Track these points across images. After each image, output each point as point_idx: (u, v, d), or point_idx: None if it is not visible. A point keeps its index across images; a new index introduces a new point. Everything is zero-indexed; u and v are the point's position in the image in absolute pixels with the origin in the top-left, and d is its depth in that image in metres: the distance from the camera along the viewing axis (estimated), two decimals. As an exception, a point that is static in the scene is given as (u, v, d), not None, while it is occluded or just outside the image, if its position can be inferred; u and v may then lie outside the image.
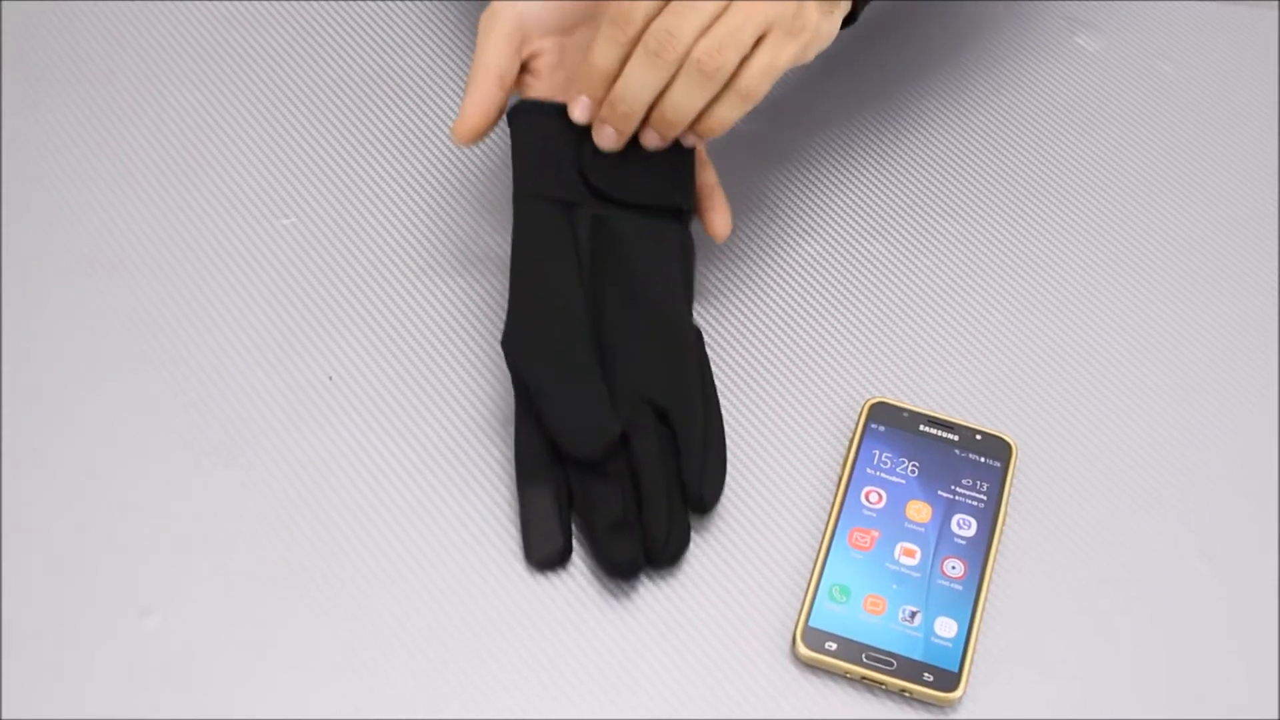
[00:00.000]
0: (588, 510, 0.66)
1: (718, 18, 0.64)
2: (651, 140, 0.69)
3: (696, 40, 0.64)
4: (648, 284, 0.69)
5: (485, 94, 0.69)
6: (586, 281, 0.68)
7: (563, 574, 0.67)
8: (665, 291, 0.70)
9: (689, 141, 0.70)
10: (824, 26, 0.67)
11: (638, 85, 0.66)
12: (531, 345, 0.68)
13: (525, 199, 0.70)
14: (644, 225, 0.70)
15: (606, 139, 0.68)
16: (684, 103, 0.66)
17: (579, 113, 0.68)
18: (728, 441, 0.70)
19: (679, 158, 0.70)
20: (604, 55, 0.66)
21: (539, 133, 0.70)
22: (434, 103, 0.84)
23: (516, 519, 0.68)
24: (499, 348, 0.73)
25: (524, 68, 0.70)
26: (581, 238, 0.69)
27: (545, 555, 0.66)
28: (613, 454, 0.65)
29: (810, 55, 0.67)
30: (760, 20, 0.65)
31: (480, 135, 0.69)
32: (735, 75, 0.66)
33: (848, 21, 0.70)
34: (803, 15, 0.65)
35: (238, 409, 0.71)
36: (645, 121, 0.68)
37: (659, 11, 0.65)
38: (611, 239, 0.69)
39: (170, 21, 0.87)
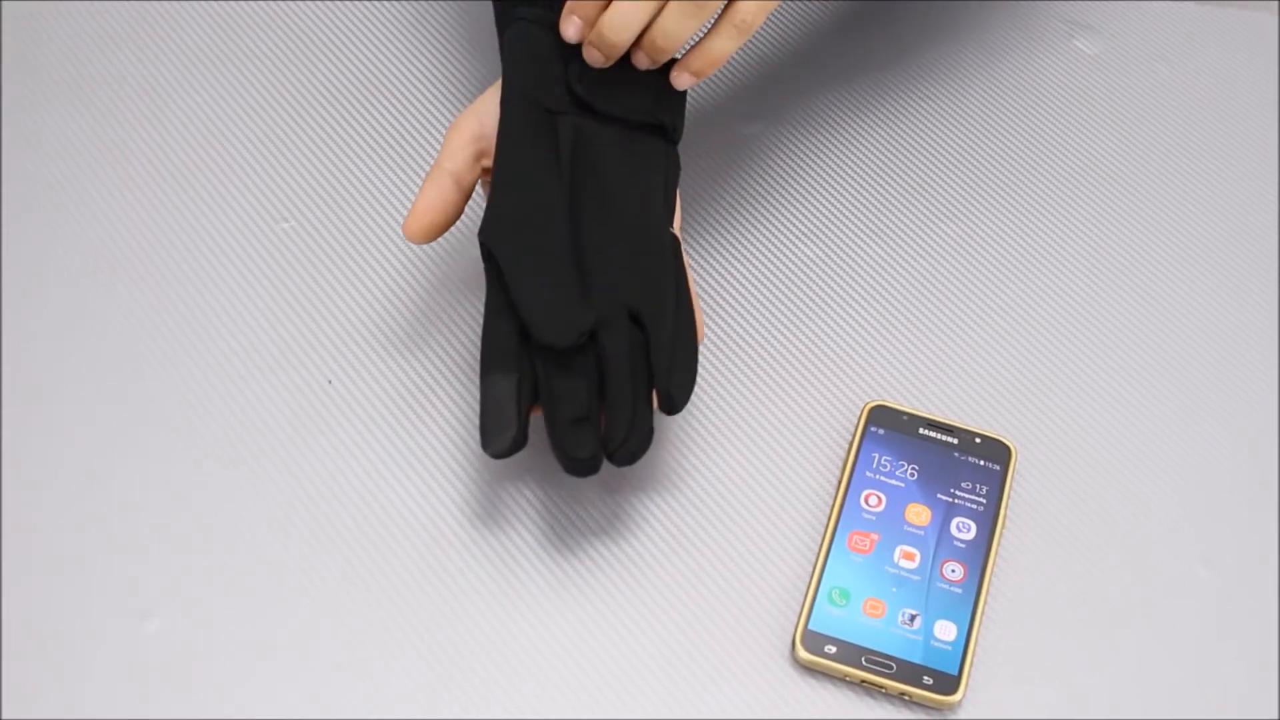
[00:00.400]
0: (550, 405, 0.64)
1: None
2: (642, 62, 0.68)
3: None
4: (625, 192, 0.68)
5: (438, 193, 0.69)
6: (566, 184, 0.68)
7: (565, 578, 0.67)
8: (643, 200, 0.69)
9: (682, 82, 0.69)
10: None
11: (628, 13, 0.65)
12: (509, 233, 0.67)
13: (512, 99, 0.69)
14: (627, 138, 0.69)
15: (594, 60, 0.68)
16: (674, 30, 0.66)
17: (570, 31, 0.68)
18: (727, 441, 0.70)
19: (668, 77, 0.69)
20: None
21: (530, 41, 0.69)
22: (434, 109, 0.84)
23: (518, 519, 0.68)
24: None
25: (486, 171, 0.70)
26: (564, 143, 0.68)
27: (500, 445, 0.64)
28: (581, 344, 0.64)
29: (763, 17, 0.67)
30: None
31: (431, 234, 0.69)
32: (731, 6, 0.65)
33: None
34: None
35: (237, 412, 0.71)
36: (637, 44, 0.67)
37: None
38: (593, 147, 0.69)
39: (170, 26, 0.87)
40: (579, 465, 0.64)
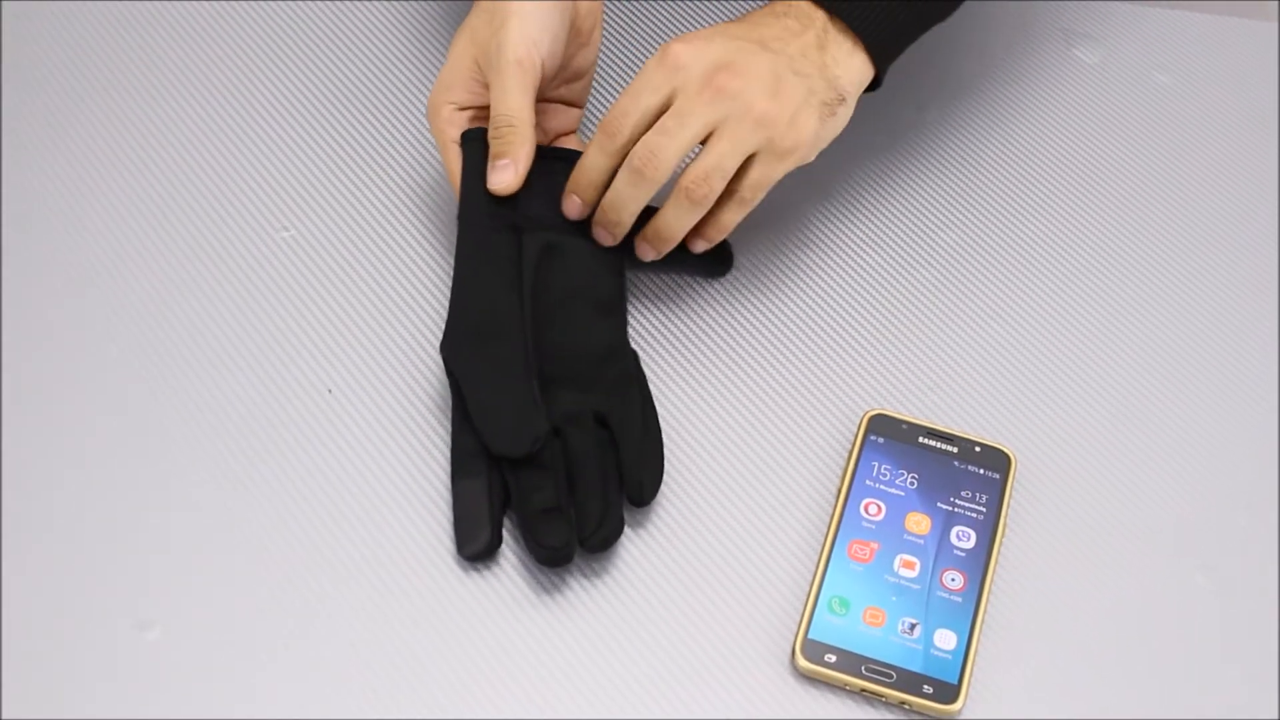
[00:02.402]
0: (520, 497, 0.66)
1: (706, 140, 0.67)
2: (646, 254, 0.72)
3: (679, 160, 0.67)
4: (587, 303, 0.71)
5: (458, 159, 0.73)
6: (528, 300, 0.70)
7: (566, 589, 0.67)
8: (608, 315, 0.72)
9: (698, 248, 0.72)
10: (823, 133, 0.69)
11: (624, 198, 0.69)
12: (465, 348, 0.69)
13: (470, 215, 0.72)
14: (585, 248, 0.72)
15: (601, 239, 0.72)
16: (674, 224, 0.69)
17: (571, 210, 0.71)
18: (727, 450, 0.71)
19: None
20: (593, 163, 0.69)
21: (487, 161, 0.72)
22: (433, 115, 0.84)
23: (516, 528, 0.68)
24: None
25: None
26: (529, 258, 0.71)
27: (474, 549, 0.66)
28: (539, 449, 0.66)
29: (811, 158, 0.70)
30: (748, 146, 0.67)
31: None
32: (733, 184, 0.68)
33: (872, 86, 0.72)
34: (794, 132, 0.67)
35: (237, 421, 0.71)
36: (641, 236, 0.71)
37: (647, 125, 0.67)
38: (556, 258, 0.71)
39: (171, 32, 0.87)
40: (552, 554, 0.65)
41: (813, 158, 0.70)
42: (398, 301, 0.76)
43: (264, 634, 0.65)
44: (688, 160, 0.69)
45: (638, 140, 0.68)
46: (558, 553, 0.65)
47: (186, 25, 0.87)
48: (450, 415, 0.70)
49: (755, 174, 0.68)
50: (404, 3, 0.89)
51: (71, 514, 0.68)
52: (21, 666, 0.64)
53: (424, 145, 0.83)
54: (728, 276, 0.78)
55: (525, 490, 0.66)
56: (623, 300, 0.73)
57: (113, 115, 0.83)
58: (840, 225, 0.81)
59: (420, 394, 0.73)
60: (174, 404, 0.72)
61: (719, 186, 0.68)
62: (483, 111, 0.72)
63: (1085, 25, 0.91)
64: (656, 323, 0.76)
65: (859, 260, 0.79)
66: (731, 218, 0.71)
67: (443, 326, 0.75)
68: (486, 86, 0.71)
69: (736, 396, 0.73)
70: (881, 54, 0.70)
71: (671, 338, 0.75)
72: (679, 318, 0.76)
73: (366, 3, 0.89)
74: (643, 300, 0.77)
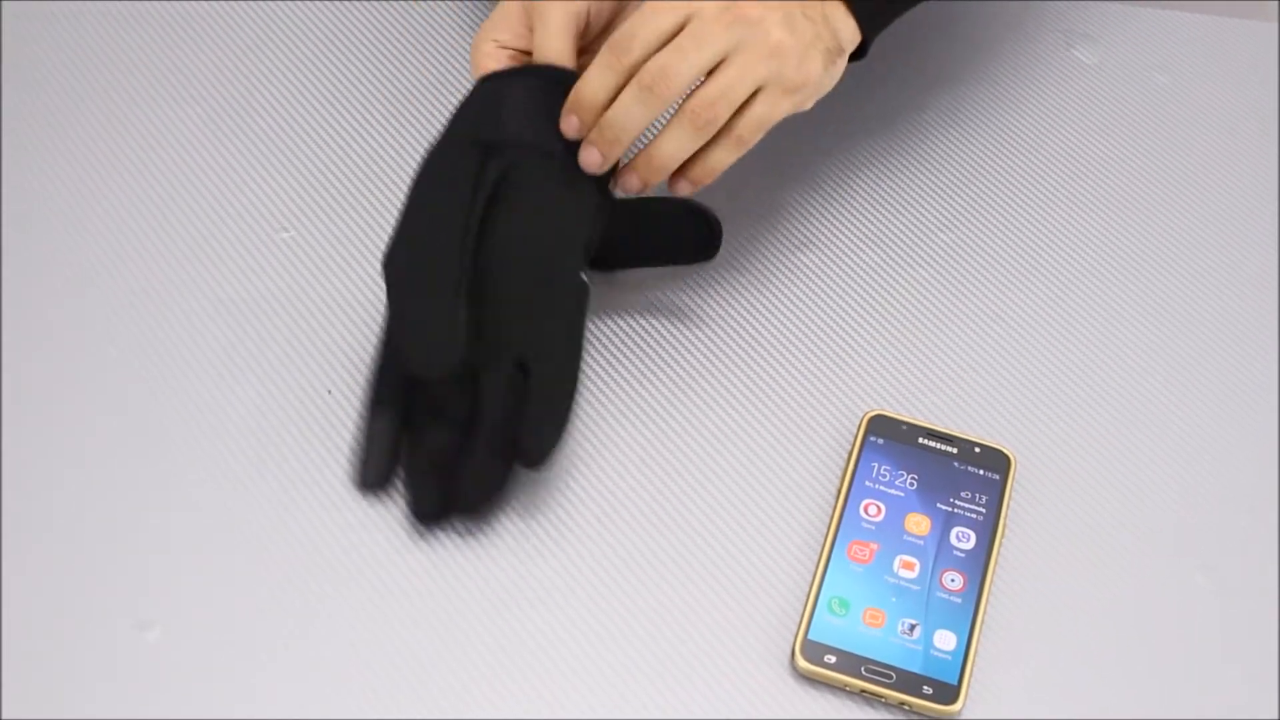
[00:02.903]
0: (411, 446, 0.68)
1: (717, 66, 0.66)
2: (631, 184, 0.69)
3: (691, 83, 0.65)
4: (541, 233, 0.69)
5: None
6: (477, 220, 0.68)
7: (564, 586, 0.67)
8: (558, 244, 0.69)
9: (682, 190, 0.70)
10: (825, 80, 0.69)
11: (627, 116, 0.66)
12: (404, 263, 0.68)
13: (444, 137, 0.70)
14: (560, 175, 0.69)
15: (590, 160, 0.68)
16: (672, 149, 0.67)
17: (569, 129, 0.68)
18: (726, 451, 0.70)
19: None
20: (598, 81, 0.67)
21: (489, 93, 0.70)
22: (435, 116, 0.84)
23: (517, 528, 0.68)
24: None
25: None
26: (489, 178, 0.68)
27: (368, 480, 0.68)
28: (449, 374, 0.66)
29: (809, 105, 0.69)
30: (759, 76, 0.66)
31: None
32: (730, 122, 0.67)
33: (857, 55, 0.71)
34: (803, 69, 0.67)
35: (237, 422, 0.71)
36: (630, 166, 0.69)
37: (659, 45, 0.66)
38: (522, 185, 0.68)
39: (170, 34, 0.87)
40: (415, 511, 0.67)
41: (810, 105, 0.69)
42: (397, 302, 0.76)
43: (264, 634, 0.65)
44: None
45: (647, 60, 0.66)
46: (427, 518, 0.67)
47: (187, 25, 0.87)
48: (383, 333, 0.70)
49: (759, 109, 0.67)
50: (406, 4, 0.89)
51: (71, 514, 0.68)
52: (21, 667, 0.64)
53: (423, 144, 0.82)
54: (728, 277, 0.78)
55: (416, 438, 0.67)
56: (586, 237, 0.70)
57: (112, 115, 0.83)
58: (840, 226, 0.81)
59: (420, 395, 0.73)
60: (174, 404, 0.72)
61: (724, 114, 0.66)
62: (523, 54, 0.71)
63: (1084, 25, 0.91)
64: (655, 323, 0.76)
65: (858, 261, 0.79)
66: (724, 158, 0.68)
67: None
68: (531, 30, 0.70)
69: (736, 397, 0.73)
70: (870, 22, 0.70)
71: (670, 338, 0.75)
72: (678, 318, 0.76)
73: (367, 3, 0.89)
74: (641, 300, 0.77)
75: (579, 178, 0.69)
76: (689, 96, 0.66)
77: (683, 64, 0.65)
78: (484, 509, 0.68)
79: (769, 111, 0.67)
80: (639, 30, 0.66)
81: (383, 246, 0.78)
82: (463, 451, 0.66)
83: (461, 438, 0.66)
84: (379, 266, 0.77)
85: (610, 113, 0.67)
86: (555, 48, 0.68)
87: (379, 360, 0.70)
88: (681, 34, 0.66)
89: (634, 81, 0.66)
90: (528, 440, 0.66)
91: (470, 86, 0.71)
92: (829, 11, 0.68)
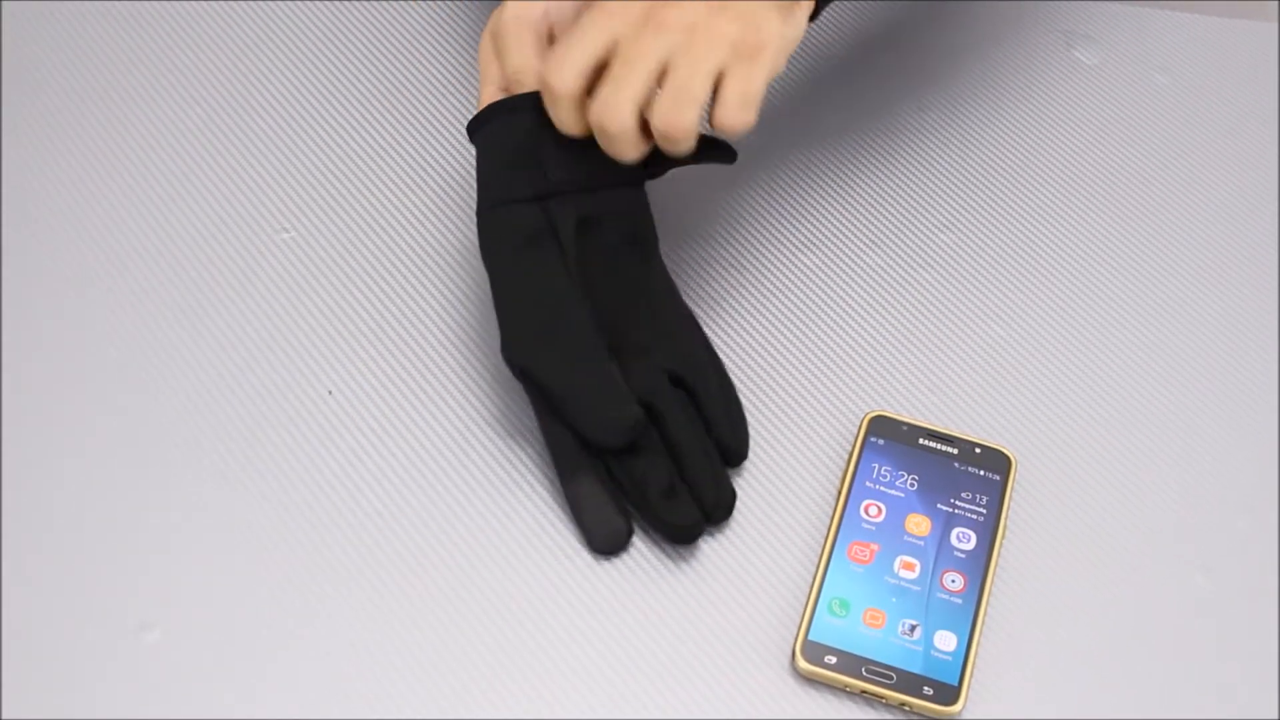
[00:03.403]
0: (636, 487, 0.66)
1: (664, 73, 0.63)
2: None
3: (639, 101, 0.63)
4: (629, 256, 0.69)
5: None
6: (574, 270, 0.68)
7: (564, 587, 0.67)
8: (643, 256, 0.70)
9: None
10: (788, 31, 0.65)
11: (613, 146, 0.65)
12: (533, 347, 0.67)
13: (489, 209, 0.69)
14: (609, 201, 0.69)
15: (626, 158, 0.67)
16: (669, 153, 0.65)
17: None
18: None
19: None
20: (565, 121, 0.65)
21: (504, 137, 0.68)
22: (434, 116, 0.84)
23: (518, 529, 0.68)
24: (499, 360, 0.73)
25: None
26: (565, 230, 0.68)
27: (609, 538, 0.67)
28: (640, 435, 0.66)
29: (782, 64, 0.65)
30: (711, 64, 0.63)
31: None
32: (716, 113, 0.64)
33: (814, 14, 0.68)
34: (760, 31, 0.63)
35: (237, 422, 0.71)
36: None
37: (593, 76, 0.64)
38: (593, 224, 0.68)
39: (171, 34, 0.87)
40: (684, 533, 0.67)
41: (783, 64, 0.65)
42: (398, 302, 0.76)
43: (264, 635, 0.65)
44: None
45: (588, 92, 0.64)
46: (689, 530, 0.66)
47: (187, 25, 0.87)
48: (536, 414, 0.68)
49: (734, 89, 0.63)
50: (406, 3, 0.89)
51: (72, 515, 0.68)
52: (22, 668, 0.64)
53: (425, 145, 0.83)
54: (729, 278, 0.78)
55: (638, 478, 0.66)
56: (656, 237, 0.70)
57: (112, 116, 0.83)
58: (840, 227, 0.81)
59: (420, 395, 0.73)
60: (174, 405, 0.72)
61: (694, 113, 0.62)
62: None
63: (1085, 26, 0.91)
64: (656, 324, 0.76)
65: (859, 261, 0.79)
66: (732, 137, 0.66)
67: (443, 328, 0.75)
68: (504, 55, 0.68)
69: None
70: None
71: (671, 339, 0.75)
72: (679, 319, 0.76)
73: (367, 3, 0.89)
74: (643, 301, 0.77)
75: (618, 196, 0.69)
76: (652, 109, 0.63)
77: (622, 94, 0.63)
78: (733, 505, 0.68)
79: (746, 86, 0.63)
80: (564, 66, 0.64)
81: (383, 247, 0.78)
82: (687, 468, 0.66)
83: (671, 465, 0.67)
84: (382, 269, 0.77)
85: (599, 142, 0.65)
86: (534, 69, 0.67)
87: (549, 437, 0.68)
88: (611, 63, 0.63)
89: (590, 119, 0.64)
90: (733, 441, 0.68)
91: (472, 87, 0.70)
92: None
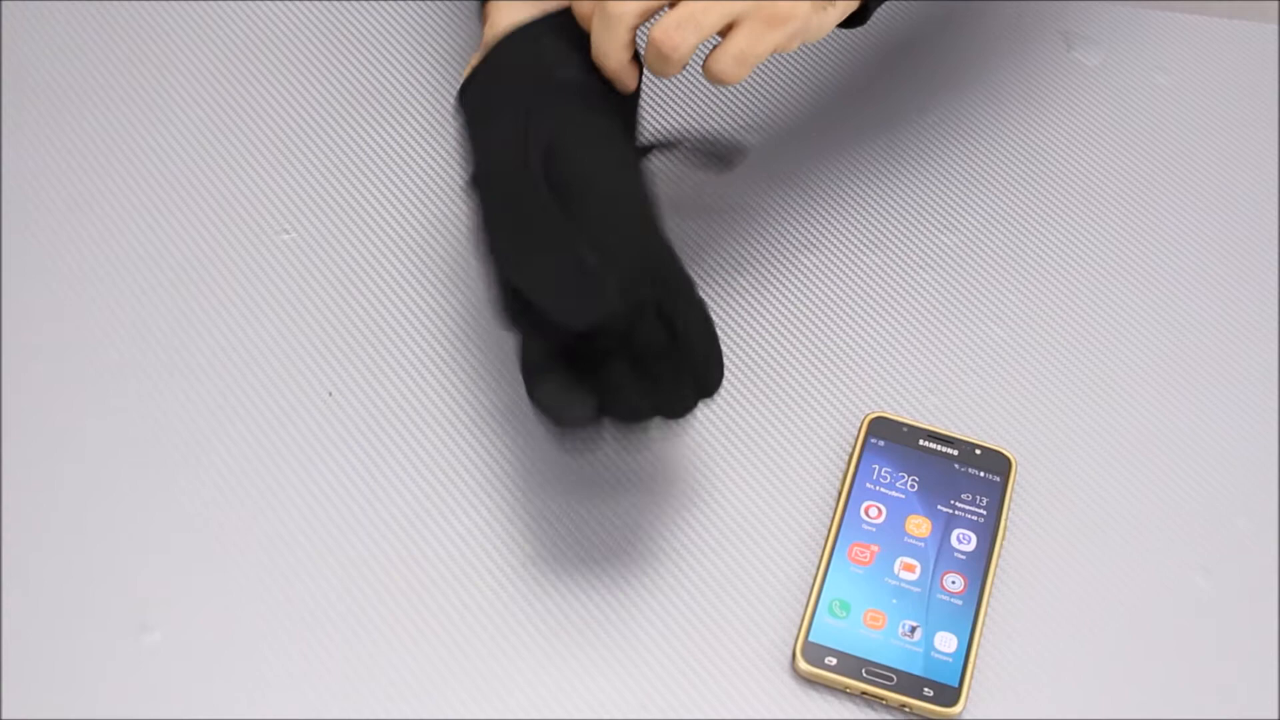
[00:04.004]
0: (597, 382, 0.61)
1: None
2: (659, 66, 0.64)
3: (646, 16, 0.61)
4: (608, 155, 0.64)
5: None
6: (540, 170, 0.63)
7: (565, 587, 0.67)
8: (621, 160, 0.65)
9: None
10: (815, 20, 0.64)
11: (600, 40, 0.63)
12: (506, 222, 0.63)
13: (490, 85, 0.65)
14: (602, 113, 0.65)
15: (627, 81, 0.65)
16: (654, 71, 0.63)
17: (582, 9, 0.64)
18: (727, 452, 0.71)
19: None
20: (604, 45, 0.63)
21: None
22: (435, 117, 0.84)
23: (518, 529, 0.68)
24: (499, 362, 0.73)
25: None
26: (538, 135, 0.63)
27: (568, 416, 0.60)
28: (615, 318, 0.60)
29: (794, 46, 0.64)
30: (730, 8, 0.61)
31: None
32: (711, 58, 0.62)
33: (856, 21, 0.67)
34: (790, 3, 0.62)
35: (237, 423, 0.71)
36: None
37: None
38: (573, 130, 0.64)
39: (171, 35, 0.87)
40: (631, 415, 0.61)
41: (795, 46, 0.64)
42: (398, 304, 0.76)
43: (264, 637, 0.65)
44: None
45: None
46: (632, 415, 0.61)
47: (187, 25, 0.87)
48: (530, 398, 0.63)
49: (737, 43, 0.62)
50: (405, 3, 0.89)
51: (72, 517, 0.68)
52: (22, 669, 0.64)
53: (425, 146, 0.83)
54: (729, 279, 0.78)
55: (598, 373, 0.61)
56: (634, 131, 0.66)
57: (112, 116, 0.83)
58: (841, 228, 0.81)
59: (421, 396, 0.73)
60: (174, 406, 0.72)
61: (691, 40, 0.61)
62: None
63: (1085, 28, 0.91)
64: (657, 325, 0.76)
65: (859, 263, 0.79)
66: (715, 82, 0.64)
67: (442, 329, 0.75)
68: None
69: (737, 399, 0.73)
70: None
71: (672, 340, 0.75)
72: (679, 320, 0.76)
73: (368, 3, 0.89)
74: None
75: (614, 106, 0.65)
76: (654, 26, 0.61)
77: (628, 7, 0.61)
78: (682, 414, 0.61)
79: (750, 45, 0.62)
80: None
81: (383, 249, 0.78)
82: (655, 376, 0.61)
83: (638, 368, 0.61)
84: (382, 270, 0.77)
85: (592, 35, 0.63)
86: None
87: (520, 348, 0.62)
88: None
89: (598, 8, 0.62)
90: (706, 370, 0.62)
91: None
92: None
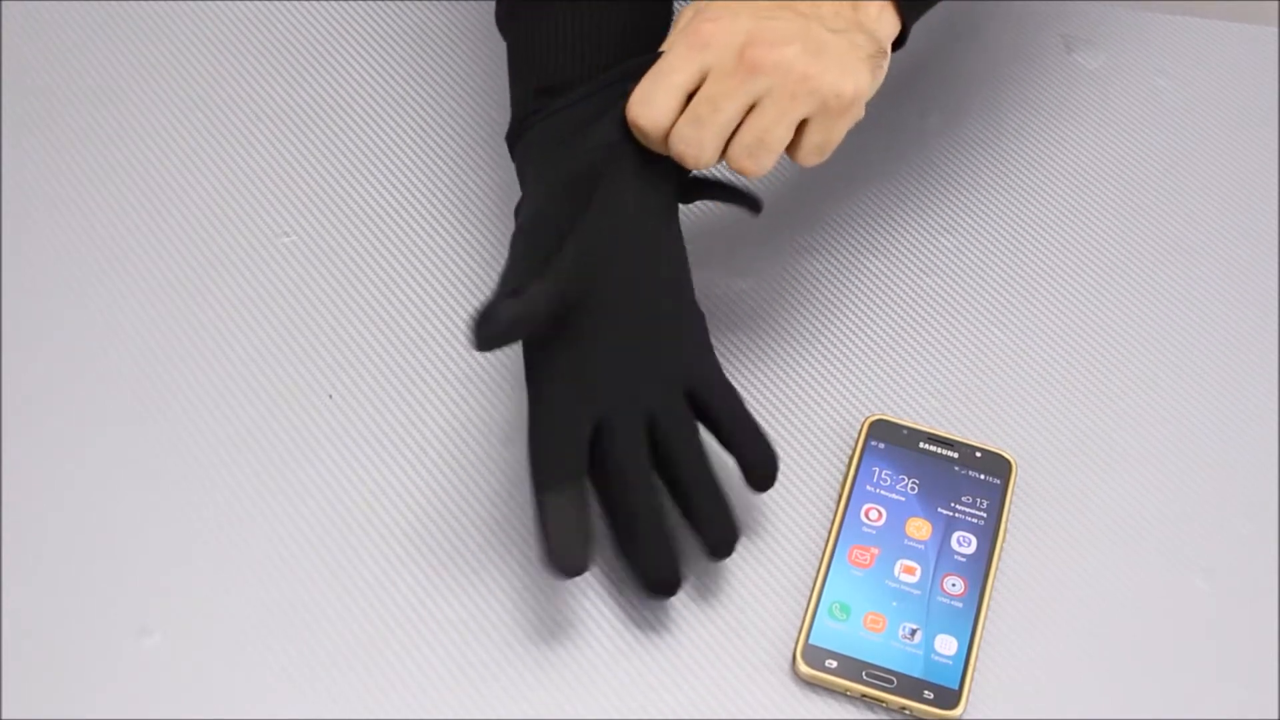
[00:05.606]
0: (625, 520, 0.63)
1: (747, 114, 0.62)
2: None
3: (721, 143, 0.62)
4: (657, 258, 0.66)
5: None
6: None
7: (567, 593, 0.67)
8: (673, 261, 0.67)
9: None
10: (874, 84, 0.64)
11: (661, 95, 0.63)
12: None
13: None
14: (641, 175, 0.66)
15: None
16: (731, 183, 0.66)
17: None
18: (727, 455, 0.71)
19: None
20: (650, 134, 0.64)
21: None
22: (436, 120, 0.84)
23: (518, 534, 0.68)
24: (500, 363, 0.73)
25: None
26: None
27: (566, 564, 0.61)
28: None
29: (863, 113, 0.64)
30: (798, 116, 0.62)
31: None
32: (793, 149, 0.64)
33: (896, 44, 0.67)
34: (849, 86, 0.62)
35: (238, 426, 0.71)
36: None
37: (680, 108, 0.62)
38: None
39: (172, 36, 0.87)
40: (662, 588, 0.64)
41: (863, 113, 0.64)
42: (398, 306, 0.76)
43: (264, 640, 0.65)
44: None
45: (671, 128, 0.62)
46: (669, 586, 0.64)
47: (187, 26, 0.87)
48: (527, 415, 0.65)
49: (814, 138, 0.63)
50: (406, 4, 0.89)
51: (72, 519, 0.68)
52: (22, 672, 0.64)
53: (425, 149, 0.83)
54: (730, 283, 0.78)
55: (620, 503, 0.63)
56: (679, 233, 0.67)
57: (112, 118, 0.83)
58: (841, 231, 0.81)
59: (421, 398, 0.73)
60: (174, 409, 0.72)
61: (769, 161, 0.62)
62: None
63: (1086, 31, 0.91)
64: (657, 327, 0.76)
65: (860, 265, 0.79)
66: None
67: (443, 331, 0.75)
68: None
69: (737, 401, 0.73)
70: (910, 8, 0.65)
71: (672, 342, 0.75)
72: (680, 322, 0.76)
73: (369, 4, 0.89)
74: (643, 304, 0.77)
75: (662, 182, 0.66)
76: (729, 145, 0.63)
77: (705, 134, 0.62)
78: (733, 547, 0.64)
79: (826, 137, 0.63)
80: (653, 103, 0.62)
81: (384, 251, 0.78)
82: (692, 499, 0.63)
83: (671, 489, 0.64)
84: (382, 273, 0.77)
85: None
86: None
87: (535, 438, 0.63)
88: (697, 98, 0.62)
89: (670, 154, 0.63)
90: (760, 460, 0.64)
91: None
92: (860, 12, 0.63)
